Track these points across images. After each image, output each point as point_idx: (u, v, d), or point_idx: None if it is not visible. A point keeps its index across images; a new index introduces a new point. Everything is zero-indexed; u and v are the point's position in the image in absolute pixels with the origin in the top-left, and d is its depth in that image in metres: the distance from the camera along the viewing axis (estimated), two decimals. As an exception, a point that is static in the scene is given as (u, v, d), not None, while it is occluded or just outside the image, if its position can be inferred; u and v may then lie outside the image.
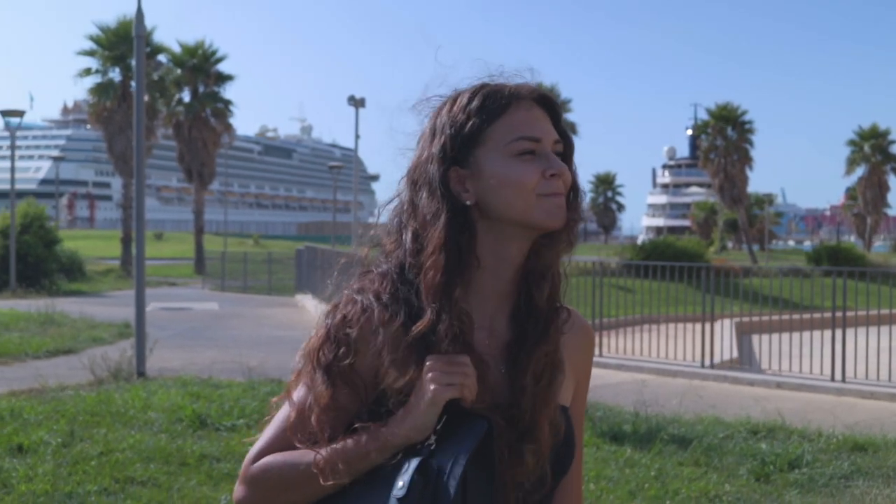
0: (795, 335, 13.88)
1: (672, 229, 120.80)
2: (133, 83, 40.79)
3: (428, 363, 1.70)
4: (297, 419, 1.77)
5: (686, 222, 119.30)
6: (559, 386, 1.85)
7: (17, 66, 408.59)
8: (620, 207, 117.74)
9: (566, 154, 1.87)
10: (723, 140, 65.56)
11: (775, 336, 14.25)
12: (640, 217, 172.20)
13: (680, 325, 15.38)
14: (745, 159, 64.88)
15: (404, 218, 1.85)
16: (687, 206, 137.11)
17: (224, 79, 45.17)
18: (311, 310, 24.14)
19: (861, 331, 13.64)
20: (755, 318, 17.03)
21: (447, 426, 1.67)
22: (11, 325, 18.90)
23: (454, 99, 1.87)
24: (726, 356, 15.28)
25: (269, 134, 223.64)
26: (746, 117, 65.93)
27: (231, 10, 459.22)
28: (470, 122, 1.81)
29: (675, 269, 17.06)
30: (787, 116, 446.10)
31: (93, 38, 40.84)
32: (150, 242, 65.93)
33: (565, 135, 1.88)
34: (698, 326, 14.79)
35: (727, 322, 17.23)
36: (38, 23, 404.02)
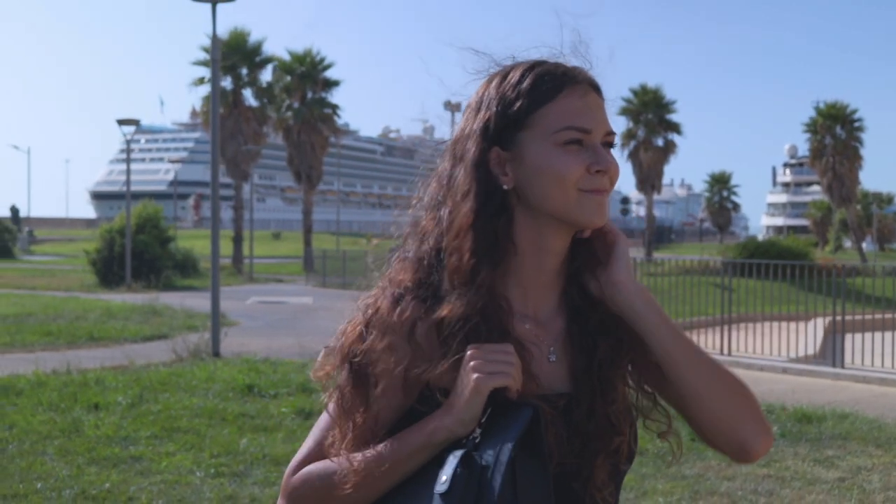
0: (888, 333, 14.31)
1: (792, 228, 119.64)
2: (244, 92, 43.51)
3: (469, 352, 1.62)
4: (331, 425, 1.73)
5: (806, 221, 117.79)
6: (625, 372, 1.79)
7: (150, 71, 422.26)
8: (736, 207, 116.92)
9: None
10: (832, 139, 65.53)
11: (877, 334, 14.53)
12: (760, 216, 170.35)
13: (771, 324, 16.02)
14: (855, 158, 64.60)
15: (443, 194, 1.76)
16: (807, 205, 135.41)
17: (331, 85, 47.39)
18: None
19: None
20: (848, 318, 16.70)
21: (492, 419, 1.61)
22: (118, 314, 21.15)
23: (506, 73, 1.77)
24: (804, 352, 16.06)
25: (392, 135, 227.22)
26: (856, 116, 65.73)
27: (357, 18, 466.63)
28: (518, 103, 1.72)
29: (775, 268, 17.40)
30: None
31: (205, 49, 43.38)
32: (266, 241, 68.97)
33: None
34: (789, 325, 15.72)
35: (820, 320, 17.48)
36: (169, 28, 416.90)
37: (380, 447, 1.64)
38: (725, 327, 15.97)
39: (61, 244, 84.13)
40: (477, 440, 1.59)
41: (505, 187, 1.71)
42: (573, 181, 1.68)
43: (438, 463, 1.59)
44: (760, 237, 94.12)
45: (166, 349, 15.08)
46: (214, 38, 15.60)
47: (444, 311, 1.66)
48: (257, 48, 44.61)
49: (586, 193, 1.69)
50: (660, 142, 58.30)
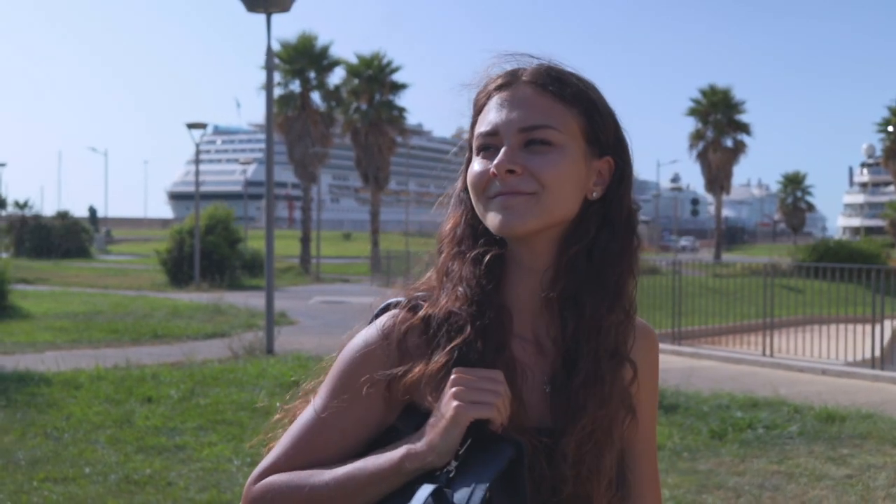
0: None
1: (869, 229, 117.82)
2: (312, 95, 44.32)
3: (453, 376, 1.51)
4: (307, 432, 1.64)
5: (883, 222, 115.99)
6: (620, 422, 1.65)
7: (228, 73, 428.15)
8: (810, 207, 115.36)
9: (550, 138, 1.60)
10: (904, 138, 64.90)
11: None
12: (836, 217, 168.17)
13: (831, 326, 16.04)
14: (930, 157, 63.97)
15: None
16: (884, 205, 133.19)
17: (398, 87, 48.05)
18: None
19: None
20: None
21: (471, 452, 1.49)
22: (184, 313, 21.94)
23: None
24: (864, 355, 15.82)
25: (465, 135, 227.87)
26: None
27: (434, 17, 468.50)
28: (467, 130, 1.73)
29: (843, 271, 17.43)
30: None
31: (275, 53, 44.33)
32: (336, 242, 69.88)
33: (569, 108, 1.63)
34: (855, 327, 15.73)
35: (888, 323, 16.93)
36: (246, 32, 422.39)
37: (346, 469, 1.55)
38: (768, 329, 16.11)
39: (137, 244, 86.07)
40: (451, 474, 1.48)
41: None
42: (480, 190, 1.61)
43: (407, 494, 1.49)
44: (837, 238, 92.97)
45: (224, 346, 15.70)
46: (269, 49, 16.24)
47: (429, 308, 1.61)
48: (324, 51, 45.43)
49: (493, 199, 1.59)
50: (729, 142, 58.22)
